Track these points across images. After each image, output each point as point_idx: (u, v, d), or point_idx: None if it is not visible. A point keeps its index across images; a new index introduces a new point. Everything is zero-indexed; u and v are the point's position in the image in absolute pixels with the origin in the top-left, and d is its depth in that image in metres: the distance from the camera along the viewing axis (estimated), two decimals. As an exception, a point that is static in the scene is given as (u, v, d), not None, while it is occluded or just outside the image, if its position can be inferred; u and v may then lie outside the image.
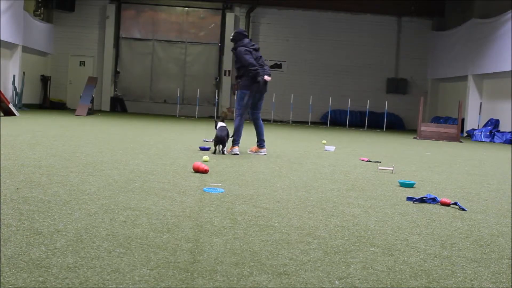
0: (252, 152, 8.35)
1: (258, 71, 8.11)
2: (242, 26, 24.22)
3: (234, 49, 8.39)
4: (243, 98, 8.21)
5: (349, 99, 22.37)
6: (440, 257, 3.03)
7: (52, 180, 4.70)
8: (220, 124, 8.15)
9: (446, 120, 21.47)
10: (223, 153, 7.96)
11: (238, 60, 8.24)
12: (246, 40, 8.36)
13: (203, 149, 8.35)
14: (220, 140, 7.93)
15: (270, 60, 23.78)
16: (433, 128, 16.53)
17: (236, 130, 8.18)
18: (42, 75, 23.05)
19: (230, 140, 8.25)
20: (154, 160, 6.63)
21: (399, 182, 5.77)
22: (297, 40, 24.53)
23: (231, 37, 8.48)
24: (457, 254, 3.11)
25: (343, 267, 2.73)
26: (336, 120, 23.20)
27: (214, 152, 7.96)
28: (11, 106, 14.78)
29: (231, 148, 8.14)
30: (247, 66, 8.08)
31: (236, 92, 8.67)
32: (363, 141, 13.92)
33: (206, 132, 12.87)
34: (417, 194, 5.13)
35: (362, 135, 17.16)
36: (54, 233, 3.01)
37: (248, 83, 8.14)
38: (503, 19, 18.09)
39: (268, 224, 3.57)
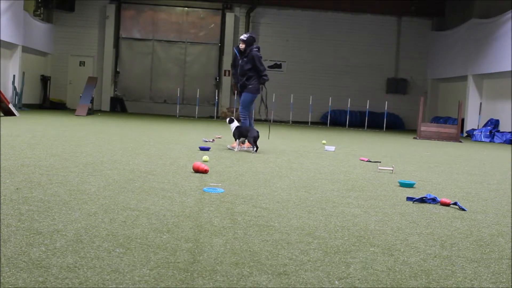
0: (241, 146, 8.66)
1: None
2: (242, 26, 24.23)
3: (245, 51, 8.73)
4: (253, 101, 8.99)
5: (349, 99, 22.36)
6: (440, 257, 3.03)
7: (52, 180, 4.70)
8: (236, 123, 8.58)
9: (446, 120, 21.47)
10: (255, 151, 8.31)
11: (250, 62, 8.71)
12: (255, 45, 8.87)
13: (203, 149, 8.35)
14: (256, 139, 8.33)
15: (270, 60, 23.78)
16: (433, 128, 16.53)
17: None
18: (42, 75, 23.05)
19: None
20: (154, 160, 6.63)
21: (399, 182, 5.77)
22: (297, 40, 24.52)
23: (246, 38, 8.78)
24: (457, 254, 3.11)
25: (343, 267, 2.73)
26: (336, 120, 23.20)
27: (256, 150, 8.32)
28: (11, 106, 14.78)
29: (239, 145, 8.59)
30: (261, 72, 8.75)
31: (241, 94, 9.03)
32: (363, 141, 13.92)
33: (206, 132, 12.87)
34: (417, 194, 5.13)
35: (362, 135, 17.15)
36: (54, 233, 3.01)
37: (258, 87, 8.86)
38: (503, 19, 18.09)
39: (268, 224, 3.57)
